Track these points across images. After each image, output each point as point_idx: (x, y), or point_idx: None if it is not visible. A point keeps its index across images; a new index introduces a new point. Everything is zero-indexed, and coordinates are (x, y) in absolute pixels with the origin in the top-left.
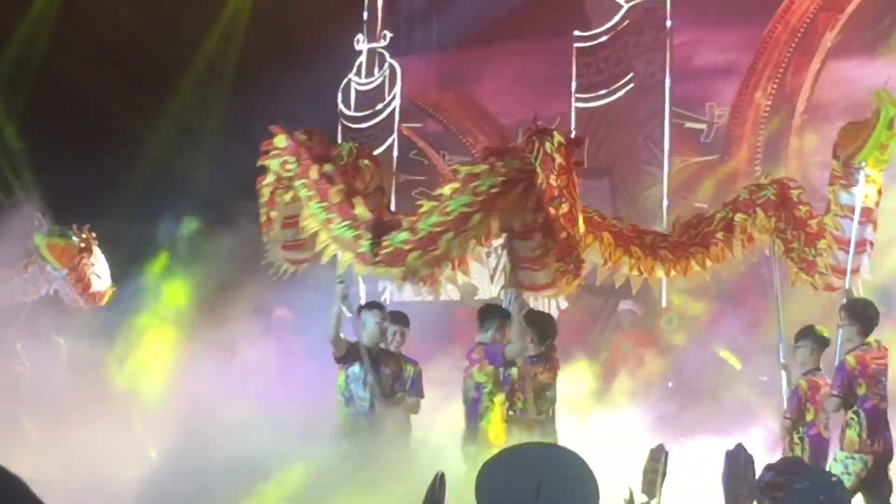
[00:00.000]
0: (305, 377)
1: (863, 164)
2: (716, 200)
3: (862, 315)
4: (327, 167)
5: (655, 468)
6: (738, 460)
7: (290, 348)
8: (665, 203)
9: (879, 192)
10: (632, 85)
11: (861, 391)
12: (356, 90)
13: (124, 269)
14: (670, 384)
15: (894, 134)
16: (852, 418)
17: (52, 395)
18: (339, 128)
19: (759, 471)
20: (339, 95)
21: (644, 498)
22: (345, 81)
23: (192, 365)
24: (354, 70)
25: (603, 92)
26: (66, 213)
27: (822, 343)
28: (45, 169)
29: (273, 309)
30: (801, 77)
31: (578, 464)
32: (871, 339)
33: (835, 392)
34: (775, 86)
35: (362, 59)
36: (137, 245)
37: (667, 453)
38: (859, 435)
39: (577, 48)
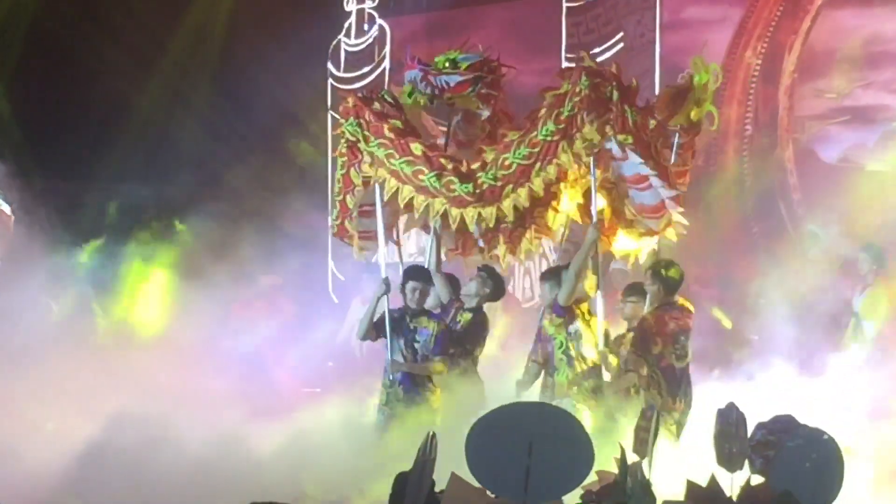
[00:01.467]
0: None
1: (678, 127)
2: (706, 161)
3: (665, 276)
4: (397, 123)
5: (647, 427)
6: (729, 419)
7: (282, 312)
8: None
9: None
10: (622, 45)
11: (656, 350)
12: (346, 51)
13: (110, 230)
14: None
15: (706, 100)
16: (651, 377)
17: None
18: (329, 89)
19: (750, 429)
20: (329, 56)
21: (636, 457)
22: (334, 42)
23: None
24: (344, 31)
25: (593, 51)
26: (56, 173)
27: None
28: (34, 130)
29: (260, 275)
30: (791, 36)
31: (571, 424)
32: (675, 299)
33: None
34: (765, 45)
35: (352, 19)
36: (126, 206)
37: (658, 413)
38: (660, 394)
39: (567, 7)
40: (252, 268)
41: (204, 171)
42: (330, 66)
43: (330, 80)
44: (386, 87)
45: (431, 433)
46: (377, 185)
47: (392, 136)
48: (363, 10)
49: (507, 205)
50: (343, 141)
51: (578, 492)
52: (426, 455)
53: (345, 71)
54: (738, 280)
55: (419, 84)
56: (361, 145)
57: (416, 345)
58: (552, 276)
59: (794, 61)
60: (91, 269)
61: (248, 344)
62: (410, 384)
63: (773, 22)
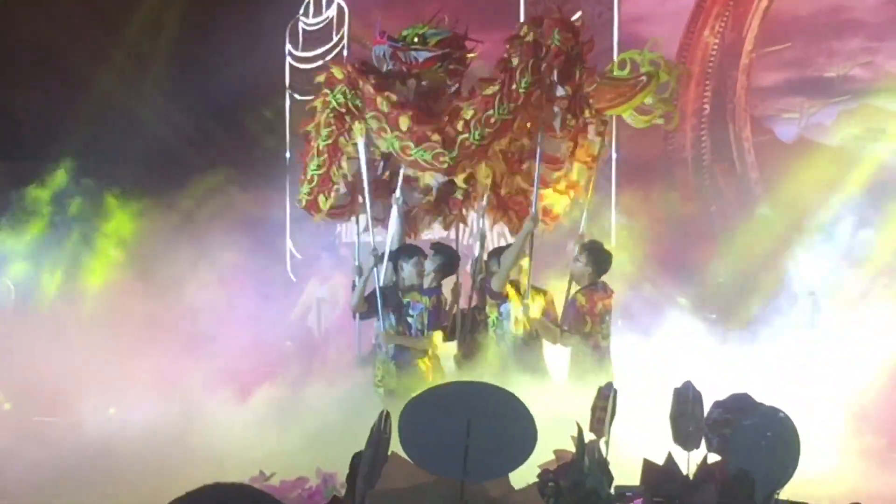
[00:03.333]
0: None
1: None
2: (665, 140)
3: (598, 258)
4: (392, 96)
5: (604, 406)
6: (686, 398)
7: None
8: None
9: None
10: (580, 24)
11: (587, 329)
12: (304, 30)
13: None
14: (619, 322)
15: (660, 99)
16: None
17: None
18: (287, 68)
19: (707, 408)
20: (287, 35)
21: (592, 436)
22: (292, 22)
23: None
24: (302, 9)
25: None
26: (14, 145)
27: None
28: None
29: (221, 252)
30: (749, 14)
31: (511, 402)
32: (600, 279)
33: (565, 328)
34: (723, 23)
35: None
36: (80, 185)
37: (615, 391)
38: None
39: None
40: (209, 247)
41: (160, 150)
42: (288, 45)
43: (288, 59)
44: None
45: (385, 411)
46: (363, 155)
47: (386, 109)
48: None
49: (482, 172)
50: (329, 111)
51: (535, 470)
52: (380, 433)
53: (303, 50)
54: (697, 260)
55: (388, 59)
56: (348, 117)
57: (410, 319)
58: (496, 255)
59: (753, 40)
60: (43, 249)
61: (204, 323)
62: (403, 358)
63: (731, 1)
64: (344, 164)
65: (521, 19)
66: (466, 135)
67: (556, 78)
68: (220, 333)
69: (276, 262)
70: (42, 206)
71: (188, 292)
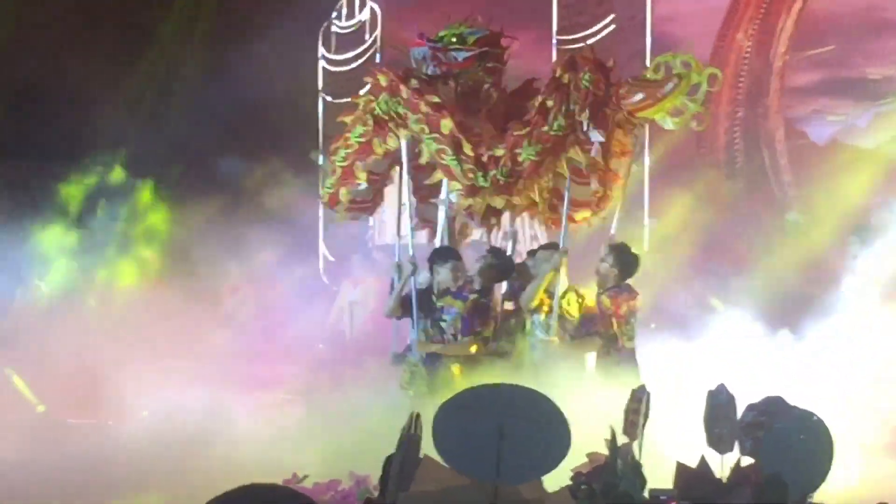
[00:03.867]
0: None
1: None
2: (697, 143)
3: (625, 259)
4: (434, 98)
5: (637, 409)
6: (719, 400)
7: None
8: (646, 144)
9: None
10: (613, 26)
11: (612, 330)
12: (337, 33)
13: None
14: (652, 325)
15: (691, 100)
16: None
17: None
18: (320, 70)
19: (740, 411)
20: (320, 38)
21: (626, 439)
22: (325, 24)
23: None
24: (335, 12)
25: (584, 33)
26: (41, 154)
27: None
28: (22, 110)
29: (254, 255)
30: (783, 16)
31: (546, 405)
32: (625, 281)
33: (593, 330)
34: (756, 26)
35: (343, 1)
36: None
37: (648, 394)
38: None
39: None
40: (241, 249)
41: (194, 153)
42: (321, 48)
43: (321, 62)
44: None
45: (415, 413)
46: (406, 159)
47: (428, 110)
48: None
49: (519, 200)
50: (369, 114)
51: (568, 473)
52: (410, 435)
53: (336, 52)
54: (729, 262)
55: (428, 61)
56: (392, 125)
57: (443, 324)
58: (532, 256)
59: (786, 42)
60: (79, 250)
61: (238, 325)
62: (434, 362)
63: (765, 3)
64: (370, 161)
65: (554, 18)
66: (494, 171)
67: (585, 121)
68: (253, 336)
69: (308, 265)
70: (74, 206)
71: (222, 295)
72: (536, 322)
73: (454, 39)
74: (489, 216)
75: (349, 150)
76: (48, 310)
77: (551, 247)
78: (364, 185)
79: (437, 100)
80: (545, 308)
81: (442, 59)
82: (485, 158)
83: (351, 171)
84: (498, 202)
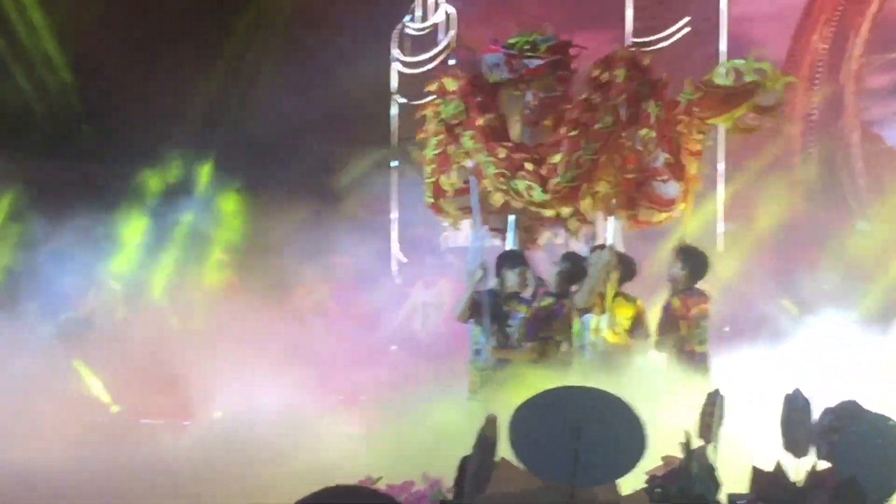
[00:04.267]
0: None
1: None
2: (771, 146)
3: (694, 262)
4: (492, 118)
5: (711, 412)
6: (795, 404)
7: (347, 294)
8: (719, 146)
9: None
10: (688, 29)
11: (681, 333)
12: (410, 35)
13: (172, 212)
14: (726, 328)
15: (765, 108)
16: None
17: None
18: (394, 73)
19: (816, 415)
20: (394, 40)
21: (701, 442)
22: (399, 26)
23: (245, 306)
24: (409, 15)
25: (658, 36)
26: (120, 150)
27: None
28: (98, 109)
29: (327, 256)
30: (858, 18)
31: (622, 407)
32: (695, 284)
33: (639, 333)
34: (832, 28)
35: (417, 3)
36: (190, 187)
37: (723, 398)
38: None
39: None
40: (317, 250)
41: (268, 154)
42: (395, 50)
43: (395, 64)
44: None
45: (493, 416)
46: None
47: (485, 130)
48: None
49: (585, 204)
50: (438, 121)
51: (643, 476)
52: (486, 438)
53: (409, 54)
54: (804, 266)
55: (501, 67)
56: (458, 129)
57: (509, 329)
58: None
59: (862, 45)
60: (155, 250)
61: (311, 326)
62: (502, 367)
63: (840, 5)
64: (454, 174)
65: (628, 21)
66: (556, 179)
67: (624, 116)
68: (327, 337)
69: (382, 267)
70: (152, 206)
71: (296, 296)
72: (586, 324)
73: (527, 47)
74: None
75: (431, 167)
76: (122, 309)
77: (601, 247)
78: (453, 197)
79: (494, 120)
80: (597, 310)
81: (514, 66)
82: (544, 171)
83: (438, 185)
84: (564, 211)
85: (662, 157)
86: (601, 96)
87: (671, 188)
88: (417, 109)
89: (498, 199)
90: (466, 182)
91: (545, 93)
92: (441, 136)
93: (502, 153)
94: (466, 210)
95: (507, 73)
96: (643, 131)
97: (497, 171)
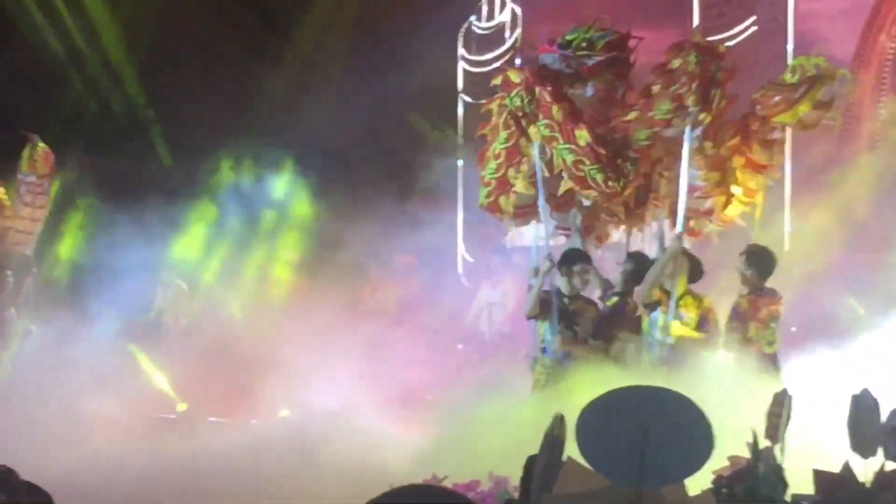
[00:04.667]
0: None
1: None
2: (838, 146)
3: (761, 261)
4: (567, 105)
5: (779, 412)
6: (864, 405)
7: (412, 293)
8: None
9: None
10: (754, 28)
11: (749, 334)
12: (477, 33)
13: (238, 209)
14: (793, 329)
15: (822, 103)
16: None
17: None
18: (460, 71)
19: (884, 416)
20: (461, 38)
21: (768, 442)
22: (466, 24)
23: (310, 304)
24: (475, 13)
25: (724, 35)
26: (186, 150)
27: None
28: (166, 107)
29: (392, 255)
30: None
31: (689, 407)
32: (765, 285)
33: (705, 330)
34: None
35: (483, 1)
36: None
37: (790, 398)
38: None
39: None
40: (383, 249)
41: (335, 150)
42: (461, 48)
43: (461, 63)
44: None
45: (560, 415)
46: (539, 161)
47: (560, 118)
48: None
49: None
50: (507, 113)
51: (709, 476)
52: (554, 437)
53: (476, 53)
54: (872, 266)
55: (558, 65)
56: (524, 121)
57: (576, 327)
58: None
59: None
60: (222, 250)
61: (377, 325)
62: (567, 365)
63: None
64: (524, 166)
65: (695, 20)
66: (626, 164)
67: (691, 104)
68: (393, 336)
69: (448, 266)
70: (219, 206)
71: (362, 294)
72: (654, 321)
73: (583, 44)
74: (632, 217)
75: (498, 161)
76: (189, 308)
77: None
78: (523, 191)
79: (570, 108)
80: (664, 308)
81: (571, 65)
82: (619, 162)
83: (505, 180)
84: (627, 196)
85: (699, 175)
86: (664, 83)
87: (703, 203)
88: (483, 106)
89: (565, 184)
90: (534, 177)
91: (605, 87)
92: (511, 129)
93: (583, 140)
94: (526, 211)
95: (563, 70)
96: (702, 115)
97: (576, 158)
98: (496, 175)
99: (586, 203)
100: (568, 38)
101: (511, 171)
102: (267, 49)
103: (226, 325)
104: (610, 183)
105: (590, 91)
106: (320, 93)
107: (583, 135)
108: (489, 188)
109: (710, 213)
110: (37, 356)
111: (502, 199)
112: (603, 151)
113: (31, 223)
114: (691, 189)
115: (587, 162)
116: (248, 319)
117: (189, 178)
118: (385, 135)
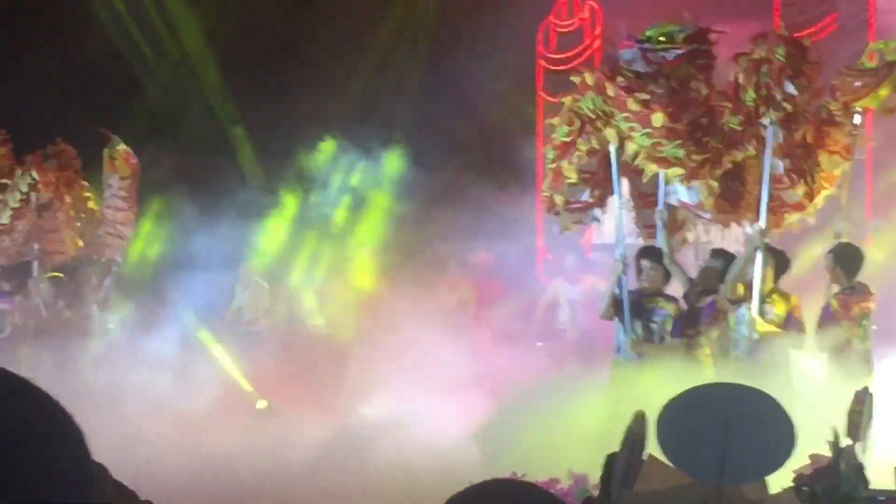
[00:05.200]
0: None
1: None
2: None
3: (846, 258)
4: (643, 96)
5: (860, 410)
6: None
7: (492, 290)
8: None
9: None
10: (835, 26)
11: (842, 333)
12: (556, 32)
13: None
14: (874, 327)
15: None
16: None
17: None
18: (539, 70)
19: None
20: (539, 37)
21: (849, 441)
22: (545, 23)
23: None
24: (554, 12)
25: (806, 32)
26: (268, 150)
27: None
28: (247, 108)
29: (471, 252)
30: None
31: (771, 404)
32: (855, 282)
33: (793, 327)
34: None
35: (563, 0)
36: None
37: (871, 396)
38: None
39: None
40: (462, 246)
41: (412, 149)
42: (540, 46)
43: (540, 61)
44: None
45: (640, 413)
46: (615, 159)
47: (636, 108)
48: None
49: (724, 164)
50: (573, 112)
51: (790, 475)
52: (634, 435)
53: (555, 52)
54: None
55: (638, 61)
56: (599, 123)
57: (653, 325)
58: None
59: None
60: (302, 248)
61: (455, 321)
62: (642, 364)
63: None
64: (575, 158)
65: (775, 18)
66: (709, 138)
67: (777, 94)
68: (472, 334)
69: (527, 264)
70: (299, 205)
71: (441, 292)
72: (741, 318)
73: (662, 38)
74: (723, 209)
75: (556, 152)
76: (269, 306)
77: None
78: (575, 181)
79: (645, 96)
80: (749, 304)
81: (651, 59)
82: (700, 136)
83: (560, 171)
84: (716, 175)
85: (782, 165)
86: (749, 71)
87: (791, 195)
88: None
89: (648, 168)
90: (584, 178)
91: (687, 79)
92: (575, 126)
93: (658, 121)
94: (577, 207)
95: (644, 66)
96: (788, 106)
97: (654, 140)
98: (552, 166)
99: (673, 202)
100: (647, 33)
101: (564, 163)
102: (349, 45)
103: (305, 322)
104: (693, 156)
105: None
106: (401, 91)
107: (658, 117)
108: (547, 180)
109: (798, 206)
110: (117, 353)
111: (557, 197)
112: (681, 127)
113: (121, 227)
114: (776, 180)
115: (665, 142)
116: (327, 317)
117: (270, 176)
118: (465, 134)
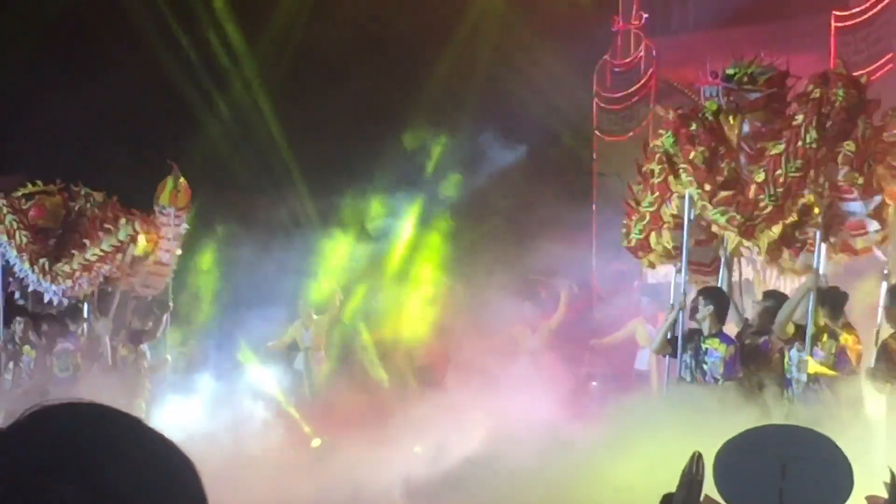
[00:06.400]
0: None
1: None
2: None
3: None
4: (703, 152)
5: None
6: None
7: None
8: None
9: None
10: (891, 65)
11: None
12: (612, 71)
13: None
14: None
15: None
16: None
17: None
18: (594, 108)
19: None
20: (595, 76)
21: None
22: (600, 62)
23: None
24: (610, 51)
25: (864, 71)
26: (321, 188)
27: None
28: (303, 145)
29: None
30: None
31: (828, 446)
32: None
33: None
34: None
35: (618, 39)
36: (396, 210)
37: None
38: None
39: (836, 28)
40: (515, 288)
41: (469, 184)
42: (596, 85)
43: (596, 100)
44: (651, 106)
45: (697, 453)
46: (688, 209)
47: (700, 162)
48: (629, 30)
49: (788, 222)
50: (661, 151)
51: None
52: (692, 475)
53: (611, 90)
54: None
55: (719, 98)
56: (676, 159)
57: (705, 366)
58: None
59: None
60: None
61: (512, 362)
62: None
63: None
64: (674, 202)
65: (832, 51)
66: (762, 196)
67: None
68: (528, 373)
69: (581, 300)
70: (354, 240)
71: (496, 331)
72: (793, 359)
73: (745, 78)
74: (776, 252)
75: (655, 195)
76: (325, 342)
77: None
78: (672, 231)
79: (705, 153)
80: (800, 345)
81: (732, 98)
82: (744, 198)
83: (658, 215)
84: (775, 230)
85: (843, 171)
86: (810, 112)
87: (856, 206)
88: (617, 146)
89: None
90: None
91: (762, 123)
92: (663, 165)
93: (707, 186)
94: (673, 253)
95: (725, 101)
96: (847, 143)
97: (702, 203)
98: (651, 209)
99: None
100: (729, 71)
101: (664, 208)
102: (404, 84)
103: (362, 358)
104: (734, 221)
105: (746, 129)
106: (454, 127)
107: (709, 181)
108: (643, 222)
109: (867, 221)
110: (171, 386)
111: (653, 237)
112: (724, 195)
113: (168, 254)
114: (838, 189)
115: (710, 207)
116: (384, 353)
117: (325, 212)
118: (519, 171)
